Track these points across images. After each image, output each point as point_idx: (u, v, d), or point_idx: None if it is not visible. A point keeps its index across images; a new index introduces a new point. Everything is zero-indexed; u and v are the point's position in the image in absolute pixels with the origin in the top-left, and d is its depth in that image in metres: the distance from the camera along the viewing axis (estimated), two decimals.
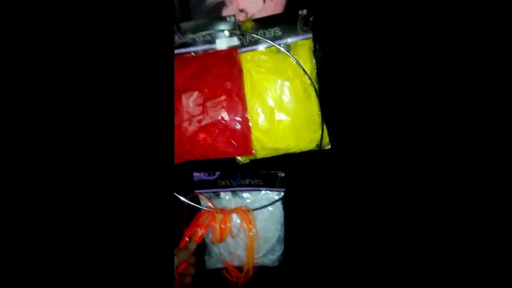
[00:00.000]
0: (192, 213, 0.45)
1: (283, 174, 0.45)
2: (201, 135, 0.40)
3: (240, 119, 0.40)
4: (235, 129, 0.40)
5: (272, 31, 0.39)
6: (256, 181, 0.46)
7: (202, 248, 0.47)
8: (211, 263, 0.47)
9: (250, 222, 0.44)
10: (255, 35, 0.39)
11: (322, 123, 0.41)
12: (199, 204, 0.45)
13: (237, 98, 0.39)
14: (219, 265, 0.47)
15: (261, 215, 0.46)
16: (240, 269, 0.46)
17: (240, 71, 0.39)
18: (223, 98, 0.39)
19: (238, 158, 0.43)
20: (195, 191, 0.45)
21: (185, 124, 0.39)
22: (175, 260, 0.37)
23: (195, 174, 0.45)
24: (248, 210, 0.44)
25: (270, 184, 0.46)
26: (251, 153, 0.41)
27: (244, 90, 0.40)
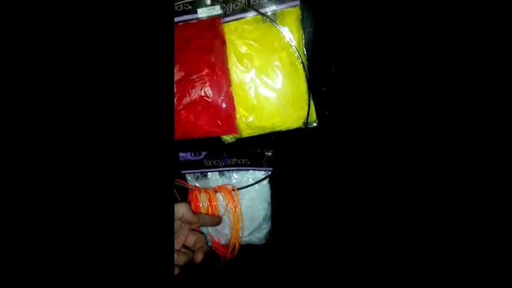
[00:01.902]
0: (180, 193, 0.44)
1: (270, 153, 0.44)
2: (183, 114, 0.38)
3: (224, 96, 0.38)
4: (219, 107, 0.38)
5: None
6: (243, 161, 0.45)
7: None
8: None
9: (234, 201, 0.43)
10: (238, 3, 0.36)
11: (309, 100, 0.39)
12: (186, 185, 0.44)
13: (220, 73, 0.37)
14: (208, 243, 0.47)
15: (248, 194, 0.45)
16: (227, 246, 0.46)
17: (223, 43, 0.37)
18: (205, 72, 0.37)
19: (224, 136, 0.41)
20: (182, 171, 0.44)
21: None
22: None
23: (181, 154, 0.44)
24: (233, 189, 0.44)
25: (257, 163, 0.45)
26: (236, 132, 0.40)
27: (227, 64, 0.37)
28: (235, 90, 0.38)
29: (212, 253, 0.47)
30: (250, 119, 0.39)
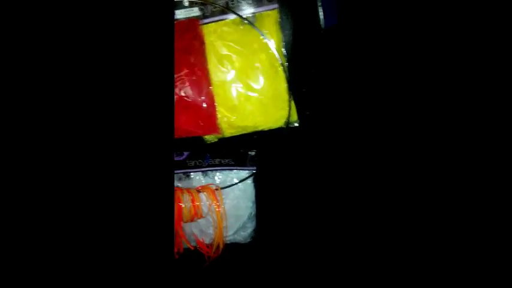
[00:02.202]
0: None
1: (253, 153, 0.44)
2: None
3: (204, 96, 0.38)
4: (200, 107, 0.38)
5: (235, 0, 0.37)
6: (226, 160, 0.45)
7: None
8: (186, 243, 0.47)
9: (218, 201, 0.44)
10: (217, 5, 0.37)
11: (290, 100, 0.39)
12: None
13: (199, 73, 0.37)
14: (192, 243, 0.47)
15: (232, 194, 0.46)
16: (211, 246, 0.46)
17: (202, 44, 0.37)
18: (184, 73, 0.37)
19: (206, 136, 0.42)
20: None
21: None
22: None
23: None
24: (216, 189, 0.44)
25: (240, 163, 0.45)
26: (217, 132, 0.40)
27: (207, 65, 0.38)
28: (216, 91, 0.39)
29: (197, 253, 0.47)
30: (232, 119, 0.40)
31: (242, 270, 0.51)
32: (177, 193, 0.43)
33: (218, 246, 0.46)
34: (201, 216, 0.44)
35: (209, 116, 0.39)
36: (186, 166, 0.44)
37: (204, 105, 0.38)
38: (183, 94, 0.37)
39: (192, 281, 0.49)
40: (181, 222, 0.44)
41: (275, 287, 0.50)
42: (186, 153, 0.44)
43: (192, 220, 0.44)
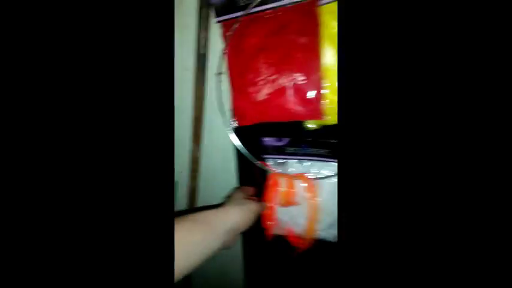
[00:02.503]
0: (261, 177, 0.45)
1: None
2: (272, 96, 0.39)
3: (313, 79, 0.37)
4: (308, 90, 0.37)
5: None
6: (323, 151, 0.43)
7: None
8: (276, 229, 0.47)
9: (313, 191, 0.42)
10: None
11: None
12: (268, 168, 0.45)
13: (312, 55, 0.36)
14: (282, 230, 0.47)
15: (326, 187, 0.43)
16: (301, 237, 0.45)
17: (318, 25, 0.36)
18: (297, 55, 0.37)
19: (308, 123, 0.41)
20: (263, 155, 0.46)
21: (257, 85, 0.39)
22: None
23: (265, 139, 0.45)
24: (312, 179, 0.42)
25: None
26: (321, 117, 0.39)
27: (320, 47, 0.36)
28: (326, 74, 0.37)
29: (284, 242, 0.47)
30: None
31: (327, 269, 0.48)
32: (275, 177, 0.43)
33: (308, 238, 0.44)
34: (295, 203, 0.43)
35: (315, 100, 0.38)
36: (284, 152, 0.44)
37: (312, 88, 0.37)
38: (292, 77, 0.37)
39: (277, 269, 0.49)
40: (276, 207, 0.44)
41: None
42: (285, 140, 0.44)
43: (285, 205, 0.44)
